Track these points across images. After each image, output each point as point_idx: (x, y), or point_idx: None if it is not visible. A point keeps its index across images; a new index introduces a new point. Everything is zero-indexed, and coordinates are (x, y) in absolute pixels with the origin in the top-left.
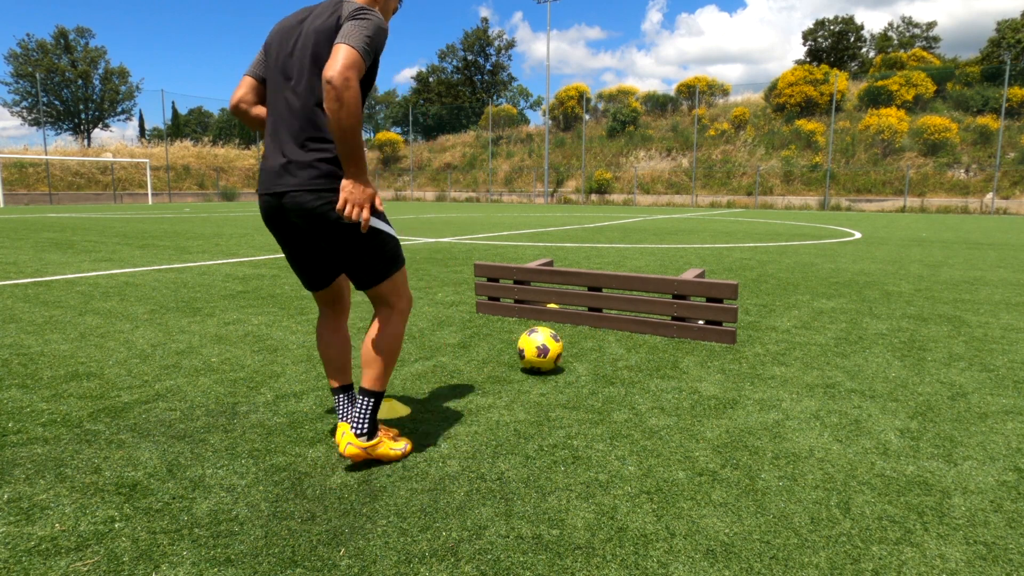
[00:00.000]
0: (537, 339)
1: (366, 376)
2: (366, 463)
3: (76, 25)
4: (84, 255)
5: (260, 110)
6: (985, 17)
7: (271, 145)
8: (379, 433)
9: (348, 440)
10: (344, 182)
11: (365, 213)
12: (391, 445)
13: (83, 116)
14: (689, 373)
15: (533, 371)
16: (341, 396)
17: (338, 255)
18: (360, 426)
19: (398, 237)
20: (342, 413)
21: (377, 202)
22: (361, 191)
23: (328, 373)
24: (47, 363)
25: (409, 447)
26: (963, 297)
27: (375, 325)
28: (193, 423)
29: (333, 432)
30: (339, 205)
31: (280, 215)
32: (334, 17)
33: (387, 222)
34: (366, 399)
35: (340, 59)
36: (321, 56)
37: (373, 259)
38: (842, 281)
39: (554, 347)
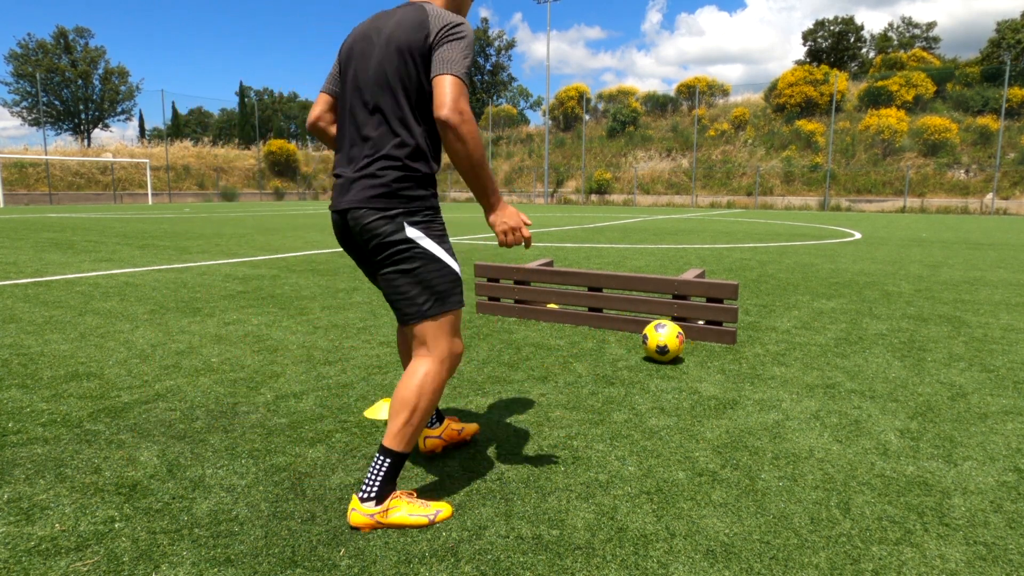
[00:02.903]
0: (660, 336)
1: (387, 430)
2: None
3: (76, 25)
4: (84, 255)
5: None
6: (985, 17)
7: (344, 154)
8: (391, 498)
9: (352, 506)
10: (491, 218)
11: (526, 232)
12: (412, 510)
13: (83, 116)
14: (689, 373)
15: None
16: None
17: (385, 275)
18: (368, 489)
19: (459, 275)
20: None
21: (526, 219)
22: (509, 215)
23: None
24: (47, 363)
25: (444, 513)
26: (963, 297)
27: (408, 370)
28: (193, 423)
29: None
30: (500, 241)
31: (345, 232)
32: (421, 33)
33: (451, 254)
34: (380, 458)
35: (448, 93)
36: (403, 75)
37: (419, 288)
38: (842, 281)
39: (673, 346)
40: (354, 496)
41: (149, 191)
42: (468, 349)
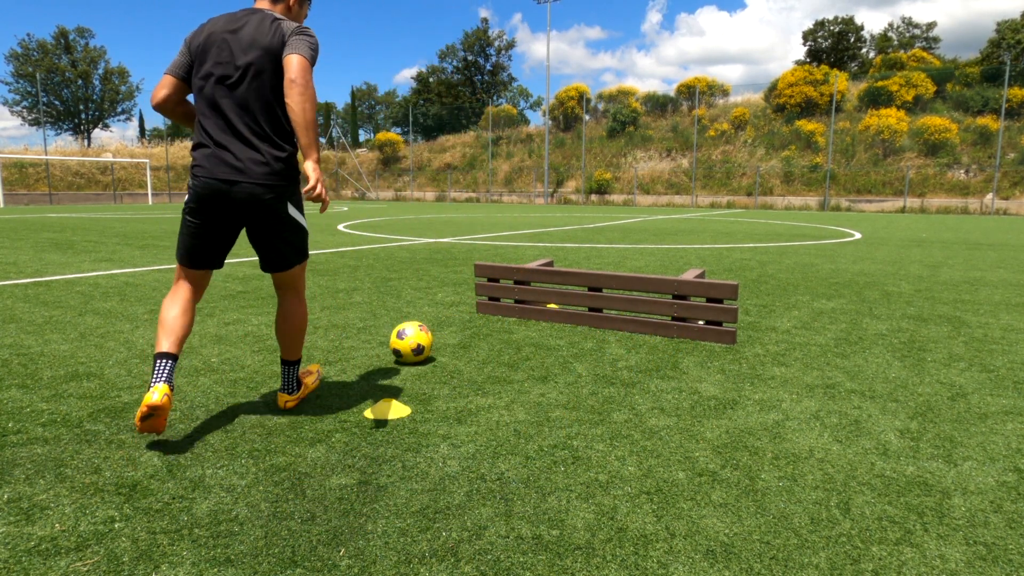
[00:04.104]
0: (408, 336)
1: (290, 350)
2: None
3: (76, 25)
4: (84, 255)
5: (187, 106)
6: (985, 17)
7: (224, 138)
8: (301, 385)
9: (286, 399)
10: (312, 165)
11: (327, 196)
12: (311, 380)
13: (83, 116)
14: (689, 373)
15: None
16: (169, 362)
17: (270, 238)
18: (291, 387)
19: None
20: (162, 375)
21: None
22: (320, 172)
23: (165, 340)
24: (47, 363)
25: (319, 369)
26: (963, 298)
27: (288, 310)
28: (193, 423)
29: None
30: (311, 185)
31: (223, 199)
32: (278, 36)
33: (304, 215)
34: (292, 367)
35: (296, 64)
36: (269, 73)
37: (295, 245)
38: (842, 281)
39: (425, 340)
40: (283, 394)
41: (149, 191)
42: (468, 349)
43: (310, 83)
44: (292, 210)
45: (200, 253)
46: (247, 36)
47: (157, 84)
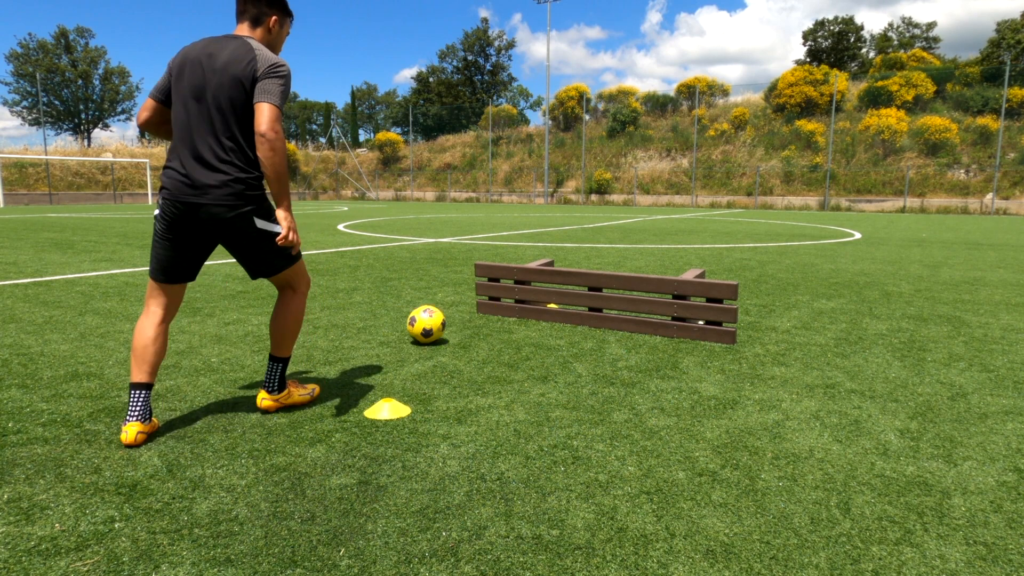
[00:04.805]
0: (417, 321)
1: (279, 346)
2: (287, 409)
3: (76, 25)
4: (84, 255)
5: (168, 125)
6: (985, 17)
7: (188, 160)
8: (288, 386)
9: (262, 396)
10: (283, 214)
11: (298, 240)
12: (300, 392)
13: (83, 116)
14: (689, 373)
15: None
16: (143, 393)
17: (245, 251)
18: (272, 384)
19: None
20: (136, 412)
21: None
22: (293, 219)
23: (138, 368)
24: (47, 363)
25: (317, 390)
26: (963, 297)
27: (282, 307)
28: (193, 423)
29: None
30: (283, 236)
31: (190, 219)
32: (250, 69)
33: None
34: (279, 364)
35: (268, 116)
36: (236, 100)
37: (276, 252)
38: (842, 281)
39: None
40: (262, 391)
41: (149, 191)
42: (468, 349)
43: (279, 135)
44: (261, 223)
45: (174, 266)
46: (221, 62)
47: (141, 106)
